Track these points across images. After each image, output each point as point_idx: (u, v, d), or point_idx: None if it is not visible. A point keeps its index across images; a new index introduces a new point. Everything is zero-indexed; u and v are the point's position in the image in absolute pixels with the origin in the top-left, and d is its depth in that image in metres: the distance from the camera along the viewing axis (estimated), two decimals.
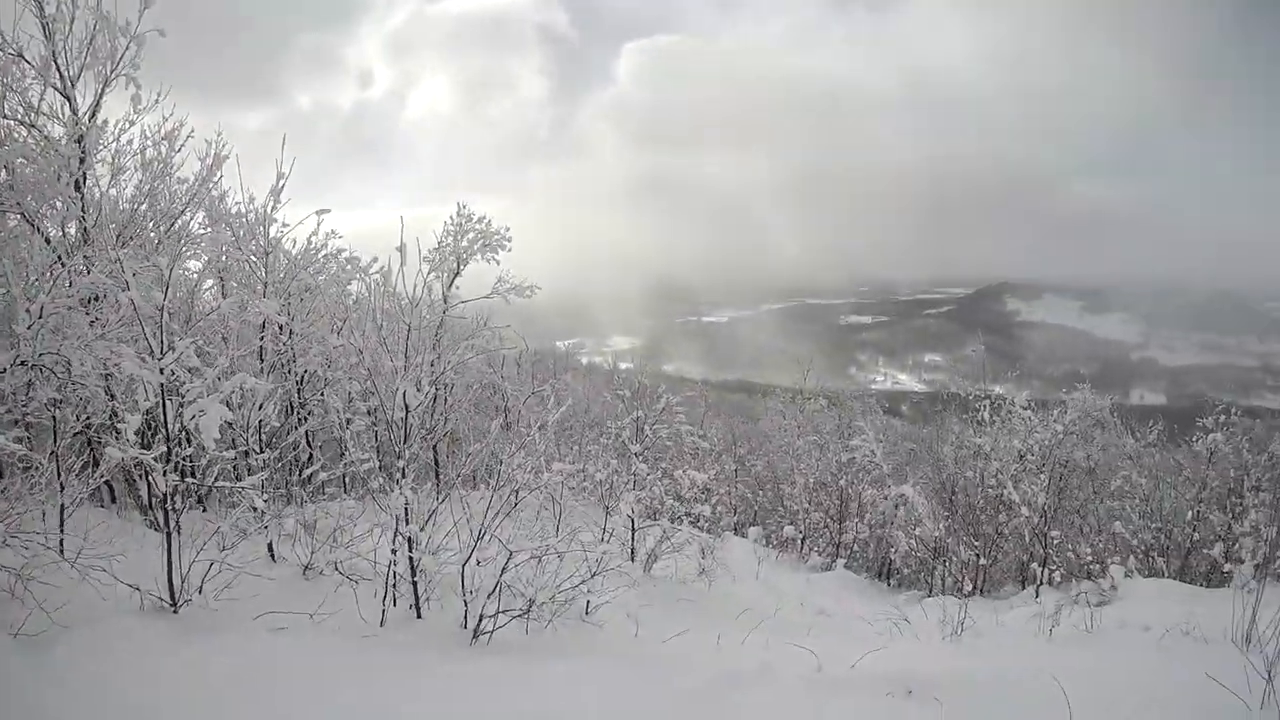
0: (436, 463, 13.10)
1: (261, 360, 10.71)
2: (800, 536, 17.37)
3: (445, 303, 11.02)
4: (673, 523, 10.76)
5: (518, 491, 7.50)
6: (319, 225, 11.09)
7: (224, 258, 11.15)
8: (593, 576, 7.13)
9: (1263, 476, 13.17)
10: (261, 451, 8.44)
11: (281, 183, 10.58)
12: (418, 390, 7.20)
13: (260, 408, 8.32)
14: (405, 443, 7.27)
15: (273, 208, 10.75)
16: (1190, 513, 13.51)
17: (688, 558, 10.89)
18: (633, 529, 10.64)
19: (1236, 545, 12.47)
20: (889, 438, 21.41)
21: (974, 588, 14.38)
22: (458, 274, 11.30)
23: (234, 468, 8.96)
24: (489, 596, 6.44)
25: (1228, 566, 12.29)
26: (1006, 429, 15.48)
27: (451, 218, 11.10)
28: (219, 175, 10.42)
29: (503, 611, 6.56)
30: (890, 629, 8.66)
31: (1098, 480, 15.22)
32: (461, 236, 11.07)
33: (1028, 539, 14.22)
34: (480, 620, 6.48)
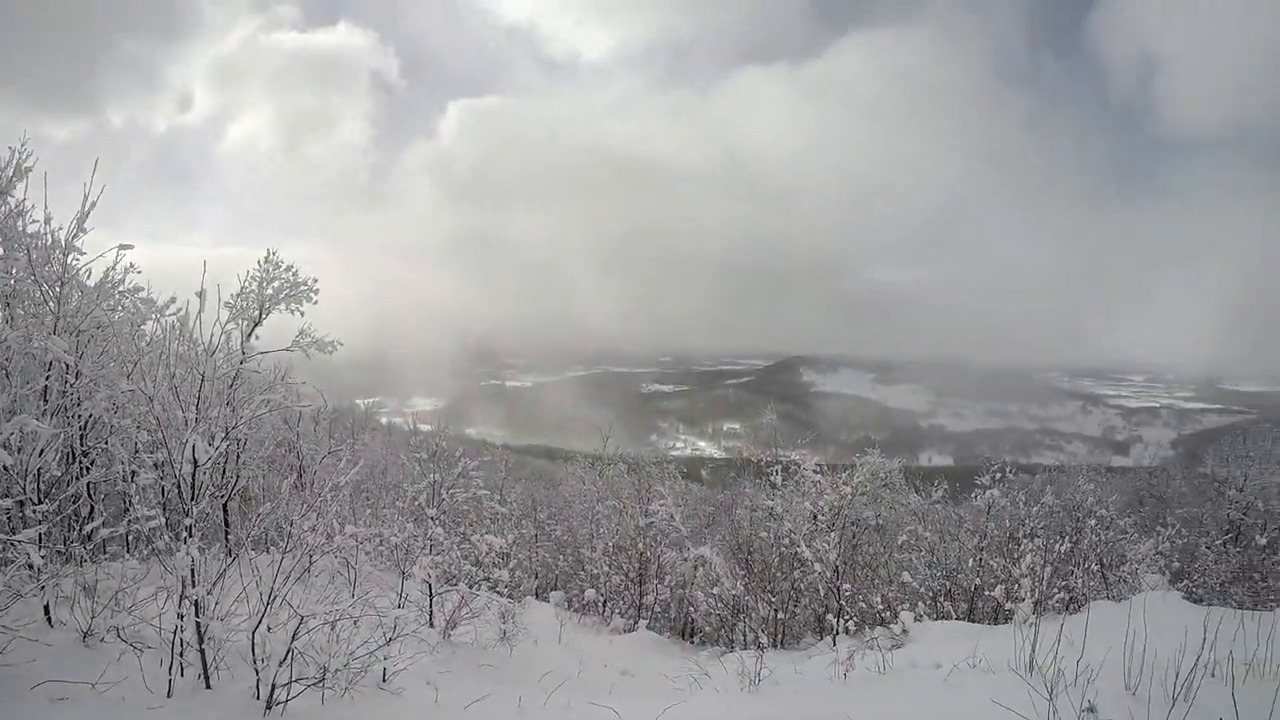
0: (226, 522, 12.45)
1: (45, 401, 10.01)
2: (602, 599, 17.34)
3: (243, 353, 10.57)
4: (471, 588, 10.61)
5: (310, 555, 7.21)
6: (119, 258, 10.43)
7: (13, 283, 10.33)
8: (388, 642, 6.93)
9: (1036, 525, 14.21)
10: (40, 503, 7.83)
11: (89, 207, 9.86)
12: (209, 444, 6.86)
13: (40, 454, 7.74)
14: (193, 500, 6.92)
15: (75, 235, 10.02)
16: (973, 560, 14.37)
17: (488, 623, 10.77)
18: (430, 594, 10.46)
19: (1016, 586, 13.24)
20: (688, 502, 21.60)
21: (773, 641, 14.67)
22: (258, 323, 10.85)
23: (8, 519, 8.31)
24: (281, 664, 6.16)
25: (1009, 605, 12.98)
26: (799, 492, 15.99)
27: (259, 263, 10.64)
28: (19, 187, 9.64)
29: (296, 680, 6.28)
30: (691, 684, 8.70)
31: (886, 535, 15.95)
32: (267, 284, 10.60)
33: (822, 592, 14.77)
34: (273, 690, 6.17)
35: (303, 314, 10.86)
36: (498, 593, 11.41)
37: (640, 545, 17.66)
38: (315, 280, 10.98)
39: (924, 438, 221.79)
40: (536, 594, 18.06)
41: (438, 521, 11.16)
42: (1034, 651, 6.97)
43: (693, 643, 16.23)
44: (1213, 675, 6.02)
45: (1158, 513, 21.29)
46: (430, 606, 10.44)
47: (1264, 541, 17.98)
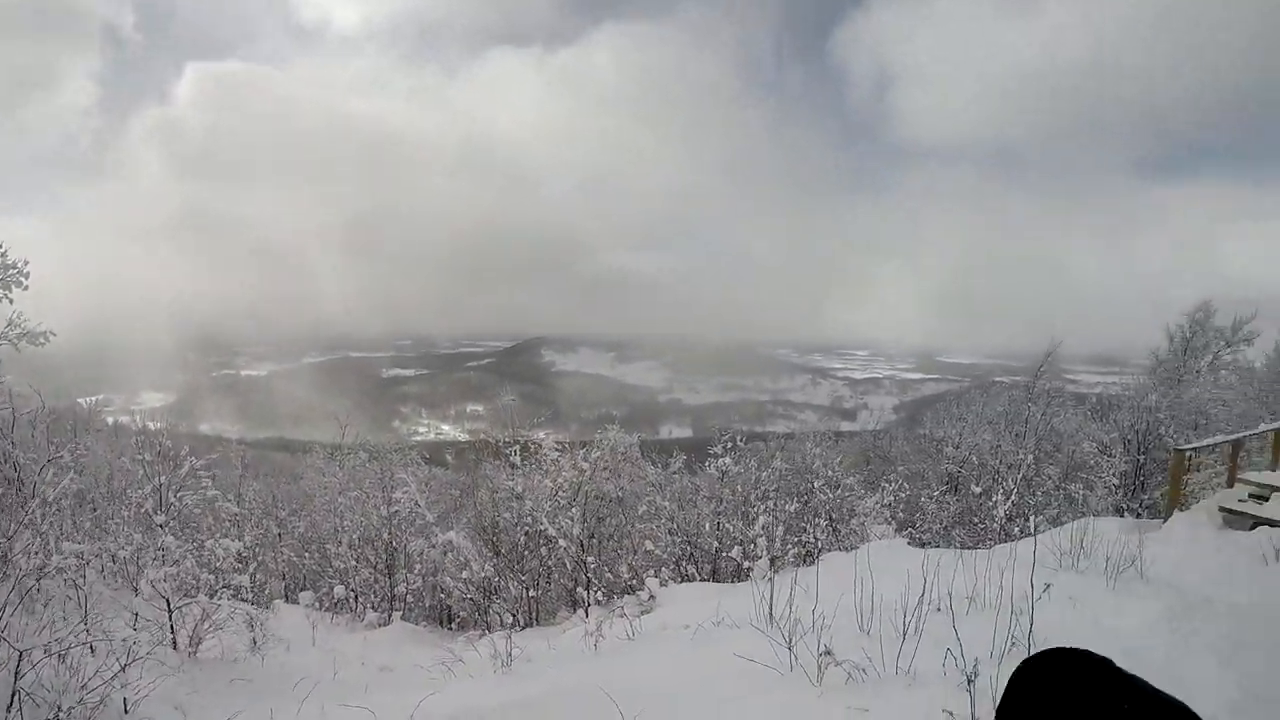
0: None
1: None
2: (353, 595, 16.97)
3: None
4: (211, 598, 10.04)
5: (26, 579, 6.76)
6: None
7: None
8: (124, 669, 6.46)
9: (769, 488, 14.82)
10: None
11: None
12: None
13: None
14: None
15: None
16: (709, 525, 14.84)
17: (235, 634, 10.32)
18: (169, 610, 9.76)
19: (752, 545, 13.69)
20: (433, 487, 21.38)
21: (528, 619, 14.74)
22: None
23: None
24: (8, 710, 5.72)
25: (747, 564, 13.40)
26: (539, 470, 16.12)
27: None
28: None
29: None
30: (445, 672, 8.66)
31: (626, 507, 16.22)
32: None
33: (570, 567, 14.90)
34: None
35: (11, 301, 10.06)
36: (242, 600, 10.97)
37: (386, 535, 17.35)
38: (26, 262, 10.13)
39: (663, 412, 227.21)
40: (285, 596, 17.52)
41: (167, 529, 10.46)
42: (771, 604, 7.30)
43: (450, 629, 16.11)
44: (938, 610, 6.43)
45: (883, 470, 22.64)
46: (170, 623, 9.74)
47: (979, 490, 19.71)
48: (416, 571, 17.08)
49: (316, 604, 16.17)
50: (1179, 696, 4.46)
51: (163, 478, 11.12)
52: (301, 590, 17.53)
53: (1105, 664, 1.00)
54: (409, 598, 17.17)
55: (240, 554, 12.01)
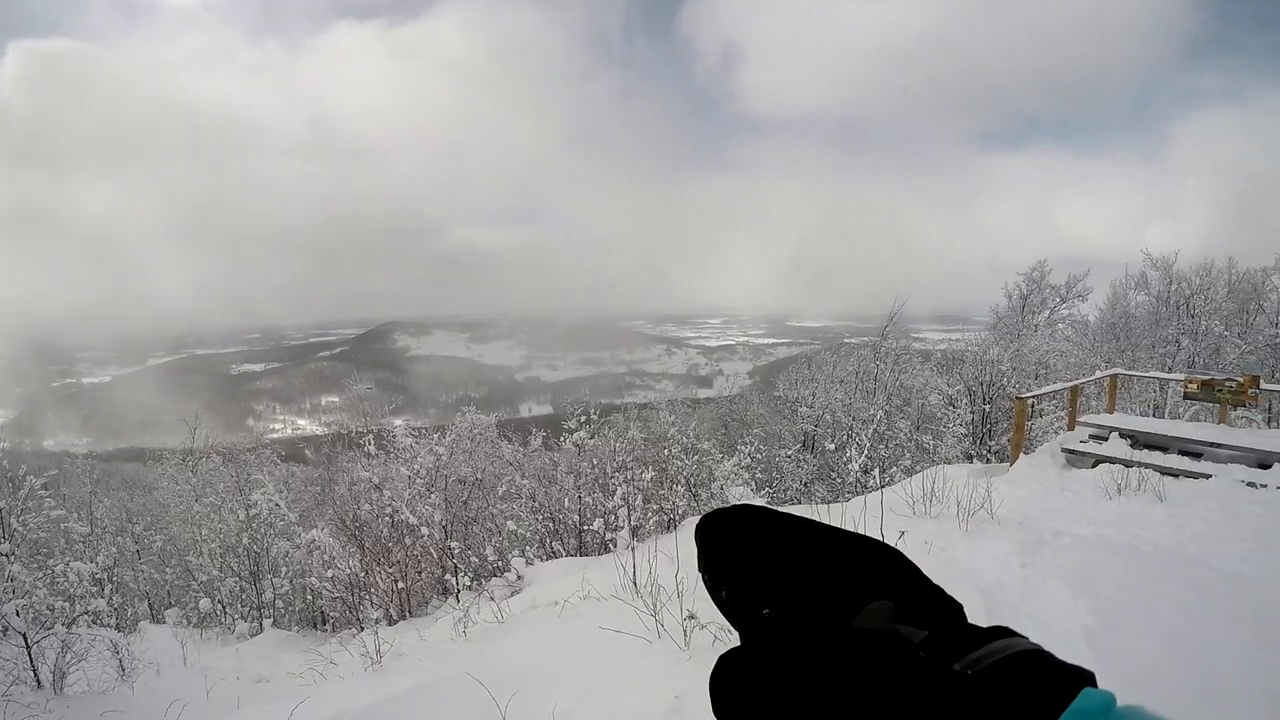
0: None
1: None
2: (220, 606, 16.58)
3: None
4: (69, 628, 9.60)
5: None
6: None
7: None
8: None
9: (626, 459, 14.92)
10: None
11: None
12: None
13: None
14: None
15: None
16: (568, 499, 14.91)
17: (100, 663, 9.95)
18: (27, 645, 9.34)
19: (613, 517, 13.78)
20: (292, 485, 20.97)
21: (401, 612, 14.60)
22: None
23: None
24: None
25: (609, 536, 13.51)
26: (396, 458, 15.95)
27: None
28: None
29: None
30: (317, 677, 8.56)
31: (487, 489, 16.14)
32: None
33: (436, 555, 14.79)
34: None
35: None
36: (103, 625, 10.56)
37: (246, 540, 16.98)
38: None
39: (522, 390, 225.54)
40: (151, 616, 17.04)
41: (14, 558, 10.02)
42: (635, 574, 7.41)
43: (325, 630, 15.86)
44: None
45: (741, 433, 22.93)
46: (30, 660, 9.36)
47: (833, 446, 20.20)
48: (283, 575, 16.77)
49: (184, 620, 15.74)
50: (1035, 626, 4.68)
51: (2, 502, 10.64)
52: (167, 608, 17.04)
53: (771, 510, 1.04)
54: (278, 603, 16.85)
55: (94, 576, 11.55)
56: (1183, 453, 13.02)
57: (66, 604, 10.05)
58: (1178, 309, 27.29)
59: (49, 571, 10.88)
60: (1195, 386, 14.76)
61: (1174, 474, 12.02)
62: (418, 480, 15.43)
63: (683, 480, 15.73)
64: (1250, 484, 11.27)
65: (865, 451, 19.08)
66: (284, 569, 16.80)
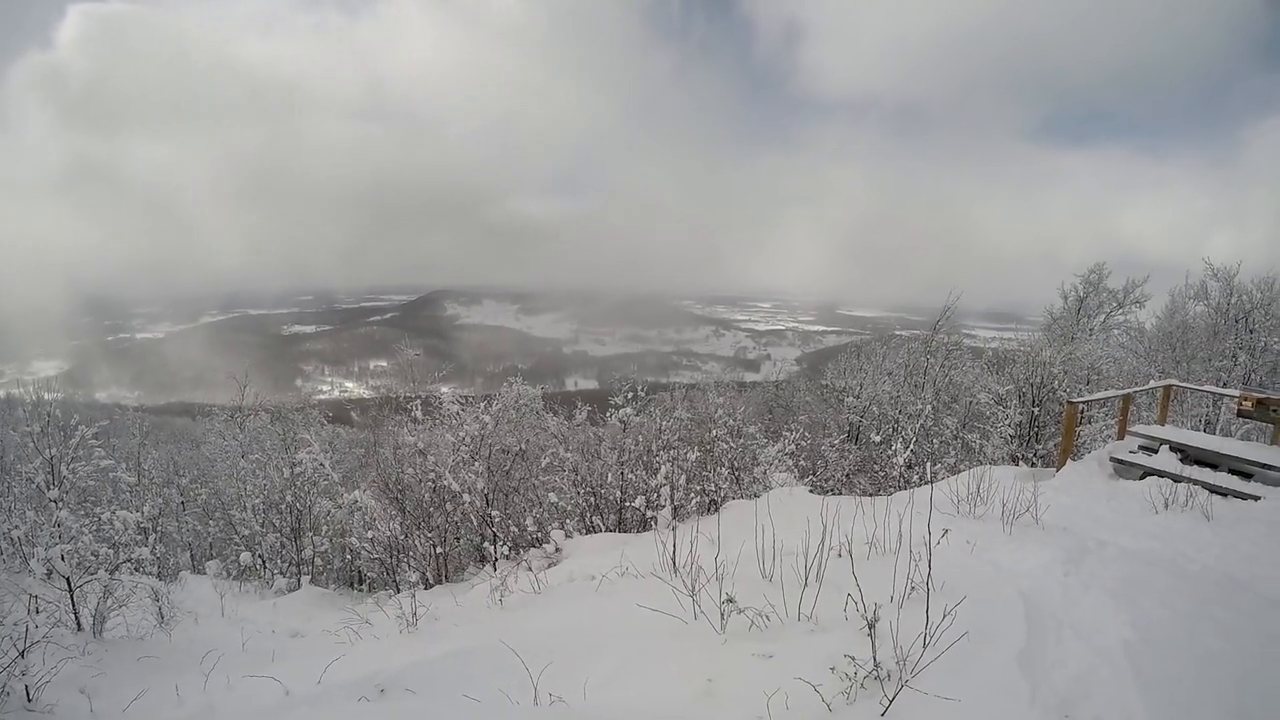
0: None
1: None
2: (260, 561, 16.74)
3: None
4: (112, 574, 9.70)
5: None
6: None
7: None
8: (22, 655, 6.26)
9: (671, 438, 14.94)
10: None
11: None
12: None
13: None
14: None
15: None
16: (611, 475, 14.94)
17: (140, 609, 10.06)
18: (70, 589, 9.45)
19: (655, 495, 13.80)
20: (337, 446, 21.05)
21: (437, 576, 14.70)
22: None
23: None
24: None
25: (650, 514, 13.53)
26: (442, 425, 16.01)
27: None
28: None
29: None
30: (351, 636, 8.62)
31: (530, 460, 16.19)
32: None
33: (476, 523, 14.87)
34: None
35: None
36: (145, 573, 10.64)
37: (290, 498, 17.13)
38: None
39: (568, 364, 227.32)
40: (193, 567, 17.24)
41: (62, 504, 10.10)
42: (674, 554, 7.41)
43: (361, 590, 15.97)
44: (839, 556, 6.56)
45: (785, 420, 22.89)
46: (73, 603, 9.49)
47: (878, 439, 20.15)
48: (324, 534, 16.88)
49: (224, 573, 15.85)
50: (1075, 636, 4.67)
51: (53, 450, 10.75)
52: (208, 560, 17.21)
53: None
54: (317, 561, 16.96)
55: (140, 525, 11.64)
56: (1233, 471, 12.84)
57: (111, 551, 10.12)
58: (1237, 322, 26.77)
59: (95, 519, 10.98)
60: (1250, 404, 14.51)
61: (1223, 493, 11.83)
62: (462, 448, 15.49)
63: (727, 463, 15.72)
64: None
65: (910, 446, 18.97)
66: (325, 528, 16.89)
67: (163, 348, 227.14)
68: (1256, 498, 11.55)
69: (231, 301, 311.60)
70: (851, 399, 23.71)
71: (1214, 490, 11.78)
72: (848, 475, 20.22)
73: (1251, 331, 26.04)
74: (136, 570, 10.33)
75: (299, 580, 15.62)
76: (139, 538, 11.35)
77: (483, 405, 16.26)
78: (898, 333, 36.31)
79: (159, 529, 16.79)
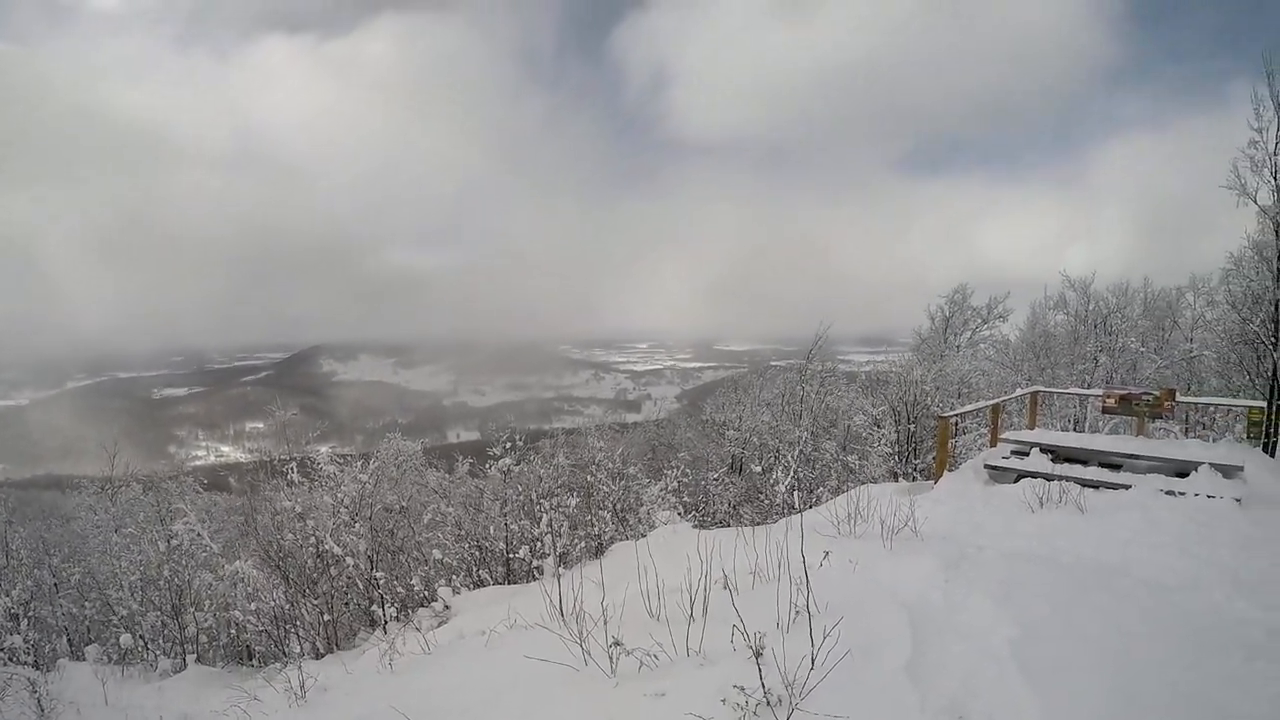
0: None
1: None
2: (143, 642, 16.18)
3: None
4: None
5: None
6: None
7: None
8: None
9: (553, 485, 14.96)
10: None
11: None
12: None
13: None
14: None
15: None
16: (494, 526, 14.87)
17: (18, 702, 9.67)
18: None
19: (539, 544, 13.76)
20: (214, 515, 20.50)
21: (328, 645, 14.38)
22: None
23: None
24: None
25: (535, 562, 13.51)
26: (320, 486, 15.74)
27: None
28: None
29: None
30: (240, 715, 8.41)
31: (412, 517, 16.00)
32: None
33: (362, 586, 14.61)
34: None
35: None
36: (19, 663, 10.26)
37: (167, 572, 16.57)
38: None
39: (449, 416, 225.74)
40: (71, 653, 16.60)
41: None
42: (560, 602, 7.40)
43: (251, 666, 15.53)
44: (724, 589, 6.60)
45: (667, 457, 23.08)
46: None
47: (760, 469, 20.39)
48: (206, 608, 16.38)
49: (105, 657, 15.29)
50: (960, 639, 4.78)
51: None
52: (86, 644, 16.56)
53: None
54: (202, 638, 16.42)
55: (10, 611, 11.21)
56: (1103, 465, 13.38)
57: None
58: (1095, 327, 28.08)
59: None
60: (1114, 401, 15.15)
61: (1094, 486, 12.35)
62: (342, 509, 15.21)
63: (609, 505, 15.74)
64: (1169, 492, 11.62)
65: (791, 473, 19.27)
66: (207, 602, 16.37)
67: (26, 416, 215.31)
68: (1127, 486, 12.08)
69: (99, 364, 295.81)
70: (732, 431, 24.08)
71: (1086, 484, 12.30)
72: (733, 507, 20.44)
73: (1110, 334, 27.32)
74: (10, 660, 9.96)
75: (184, 660, 15.12)
76: (9, 624, 10.92)
77: (361, 464, 16.05)
78: (773, 364, 37.07)
79: (31, 614, 16.15)
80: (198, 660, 15.02)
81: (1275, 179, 15.35)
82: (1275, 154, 15.30)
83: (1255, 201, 15.73)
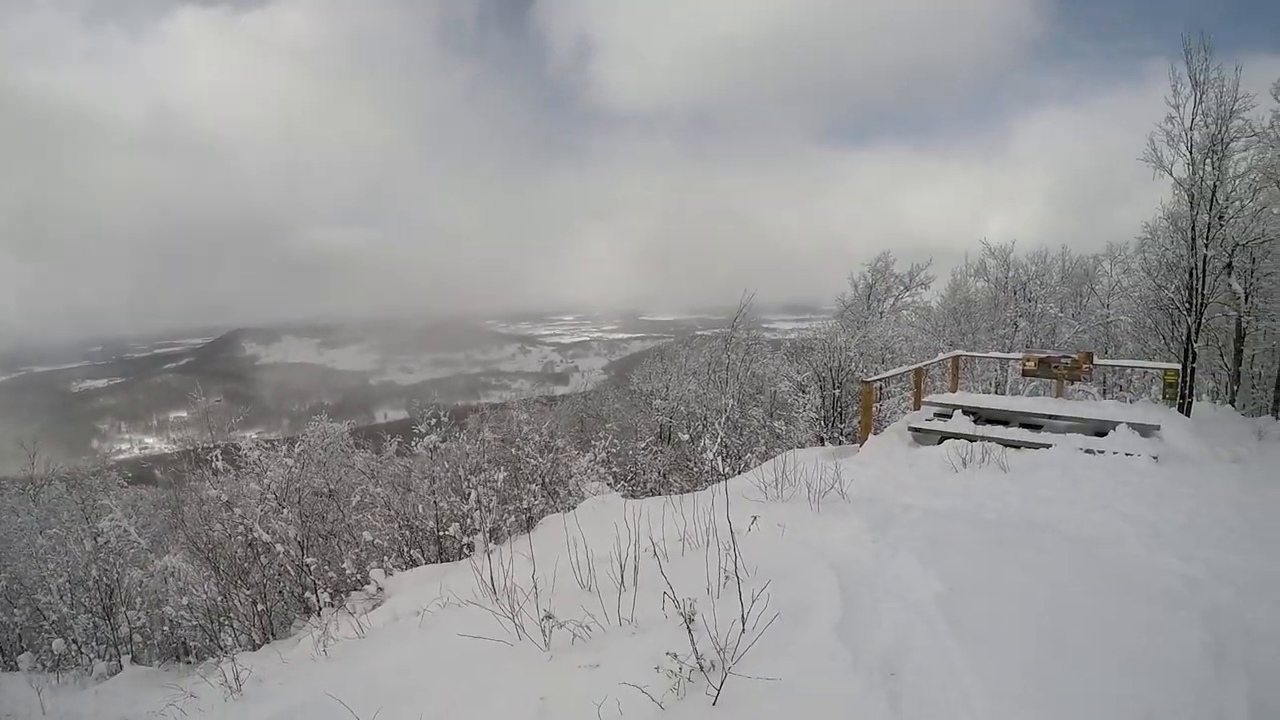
0: None
1: None
2: (75, 646, 15.88)
3: None
4: None
5: None
6: None
7: None
8: None
9: (480, 460, 14.96)
10: None
11: None
12: None
13: None
14: None
15: None
16: (423, 505, 14.82)
17: None
18: None
19: (469, 520, 13.73)
20: (141, 509, 20.08)
21: (264, 635, 14.23)
22: None
23: None
24: None
25: (466, 539, 13.51)
26: (247, 473, 15.54)
27: None
28: None
29: None
30: (177, 714, 8.32)
31: (341, 500, 15.86)
32: None
33: (294, 573, 14.48)
34: None
35: None
36: None
37: (95, 572, 16.26)
38: None
39: (376, 396, 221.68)
40: (3, 664, 16.30)
41: None
42: (492, 577, 7.40)
43: (188, 662, 15.29)
44: (654, 557, 6.65)
45: (596, 429, 23.12)
46: None
47: (688, 437, 20.57)
48: (139, 606, 16.09)
49: (39, 665, 15.01)
50: (889, 597, 4.88)
51: None
52: (19, 653, 16.23)
53: None
54: (136, 638, 16.13)
55: None
56: (1024, 425, 13.67)
57: None
58: (1015, 294, 28.70)
59: None
60: (1033, 364, 15.48)
61: (1016, 446, 12.59)
62: (269, 495, 15.03)
63: (538, 479, 15.75)
64: (1088, 451, 11.91)
65: (719, 440, 19.44)
66: (139, 600, 16.05)
67: None
68: (1048, 446, 12.34)
69: (14, 359, 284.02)
70: (659, 401, 24.19)
71: (1008, 444, 12.56)
72: (663, 476, 20.54)
73: (1029, 300, 27.95)
74: None
75: (119, 661, 14.88)
76: None
77: (286, 448, 15.86)
78: (700, 333, 37.27)
79: None
80: (133, 660, 14.78)
81: (1190, 152, 16.16)
82: (1191, 129, 16.08)
83: (1171, 174, 16.55)
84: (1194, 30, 15.95)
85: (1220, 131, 15.87)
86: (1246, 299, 17.48)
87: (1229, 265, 16.59)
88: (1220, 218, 16.13)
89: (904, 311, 33.39)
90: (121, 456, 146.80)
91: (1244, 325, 18.11)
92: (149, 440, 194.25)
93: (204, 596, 14.64)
